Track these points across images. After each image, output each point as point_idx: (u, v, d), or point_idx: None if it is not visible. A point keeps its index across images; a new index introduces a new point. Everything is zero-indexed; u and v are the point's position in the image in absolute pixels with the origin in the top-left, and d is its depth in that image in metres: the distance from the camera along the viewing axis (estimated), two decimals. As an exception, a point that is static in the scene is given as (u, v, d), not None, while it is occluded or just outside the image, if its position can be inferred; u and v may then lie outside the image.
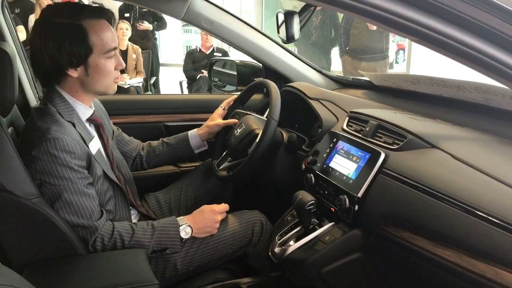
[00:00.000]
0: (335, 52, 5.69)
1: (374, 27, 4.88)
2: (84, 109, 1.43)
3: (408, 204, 1.14)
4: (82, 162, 1.32)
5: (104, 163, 1.45)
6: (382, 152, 1.27)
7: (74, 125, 1.36)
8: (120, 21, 5.54)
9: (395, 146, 1.28)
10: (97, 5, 1.50)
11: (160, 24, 6.23)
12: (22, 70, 1.75)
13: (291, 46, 5.15)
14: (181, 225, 1.46)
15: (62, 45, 1.29)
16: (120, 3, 6.18)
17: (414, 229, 1.11)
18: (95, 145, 1.43)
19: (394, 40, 9.21)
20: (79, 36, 1.30)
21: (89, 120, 1.45)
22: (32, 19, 5.43)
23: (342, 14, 5.32)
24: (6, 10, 1.67)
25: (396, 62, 9.68)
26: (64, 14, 1.31)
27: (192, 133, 1.84)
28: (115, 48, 1.38)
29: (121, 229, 1.37)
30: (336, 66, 5.74)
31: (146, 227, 1.42)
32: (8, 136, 1.24)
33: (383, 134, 1.37)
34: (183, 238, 1.45)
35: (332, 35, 5.52)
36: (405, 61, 10.02)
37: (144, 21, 6.08)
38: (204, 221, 1.50)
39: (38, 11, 5.35)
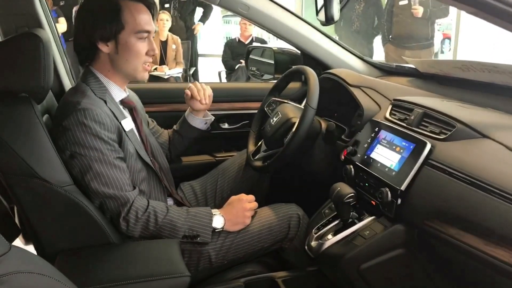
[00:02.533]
0: (376, 41, 5.52)
1: (420, 14, 4.69)
2: (118, 91, 1.45)
3: (457, 199, 1.05)
4: (113, 135, 1.33)
5: (137, 143, 1.45)
6: (428, 142, 1.19)
7: (105, 102, 1.38)
8: (160, 12, 5.57)
9: (443, 136, 1.20)
10: None
11: (205, 11, 6.22)
12: (58, 57, 1.75)
13: (332, 35, 5.03)
14: (214, 214, 1.43)
15: (97, 18, 1.34)
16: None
17: (463, 226, 1.02)
18: (128, 125, 1.43)
19: (440, 29, 8.84)
20: (113, 11, 1.34)
21: (123, 103, 1.47)
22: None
23: (386, 2, 5.16)
24: (42, -4, 1.67)
25: (442, 52, 9.29)
26: None
27: (187, 111, 1.81)
28: (148, 31, 1.39)
29: (156, 206, 1.37)
30: (378, 56, 5.57)
31: (181, 210, 1.40)
32: (42, 124, 1.24)
33: (429, 123, 1.28)
34: (215, 229, 1.42)
35: (375, 23, 5.35)
36: (451, 51, 9.62)
37: (199, 22, 6.16)
38: (234, 211, 1.46)
39: (82, 3, 5.44)
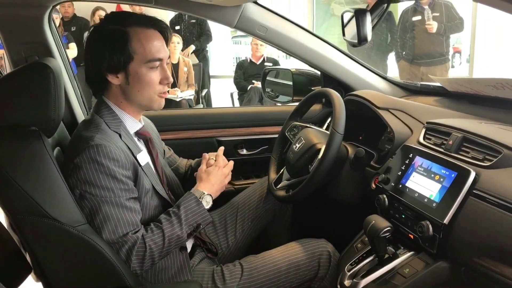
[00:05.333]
0: (390, 58, 5.43)
1: (434, 29, 4.60)
2: (132, 122, 1.36)
3: (510, 233, 0.94)
4: (127, 172, 1.24)
5: (153, 177, 1.36)
6: (471, 170, 1.08)
7: (120, 136, 1.30)
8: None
9: (487, 163, 1.10)
10: None
11: (205, 38, 6.17)
12: (69, 86, 1.69)
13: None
14: (201, 198, 1.35)
15: (104, 50, 1.26)
16: (171, 17, 6.22)
17: (521, 265, 0.91)
18: (143, 159, 1.34)
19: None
20: (121, 41, 1.25)
21: (138, 134, 1.39)
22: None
23: (399, 18, 5.08)
24: (53, 24, 1.61)
25: (452, 67, 9.19)
26: (112, 20, 1.30)
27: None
28: (160, 60, 1.30)
29: (151, 239, 1.24)
30: (391, 73, 5.48)
31: (171, 218, 1.29)
32: (53, 159, 1.16)
33: (470, 148, 1.18)
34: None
35: (388, 41, 5.27)
36: (461, 65, 9.48)
37: (192, 46, 6.07)
38: (213, 180, 1.41)
39: (93, 29, 5.45)
